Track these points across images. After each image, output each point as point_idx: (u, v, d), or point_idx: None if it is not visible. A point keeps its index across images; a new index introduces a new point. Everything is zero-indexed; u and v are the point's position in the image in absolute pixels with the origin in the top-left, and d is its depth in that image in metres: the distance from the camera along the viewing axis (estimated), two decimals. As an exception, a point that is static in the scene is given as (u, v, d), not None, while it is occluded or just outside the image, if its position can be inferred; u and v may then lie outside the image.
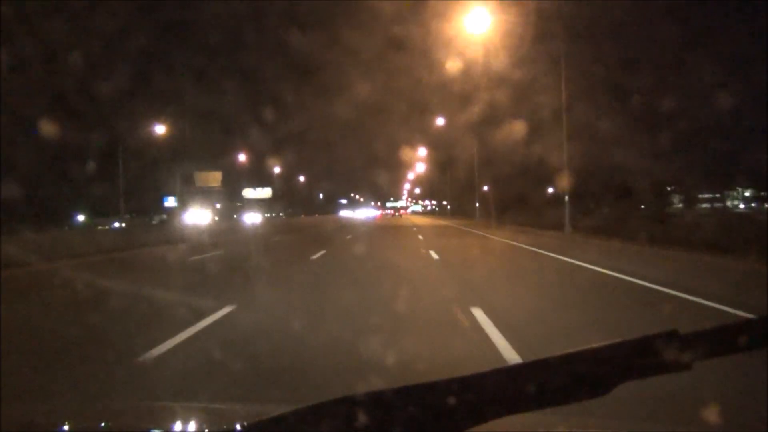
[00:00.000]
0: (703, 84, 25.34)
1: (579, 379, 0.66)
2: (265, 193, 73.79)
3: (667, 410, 2.93)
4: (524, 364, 0.68)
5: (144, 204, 51.48)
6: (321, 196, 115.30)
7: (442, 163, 64.54)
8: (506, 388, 0.67)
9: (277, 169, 69.64)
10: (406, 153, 75.55)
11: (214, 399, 3.37)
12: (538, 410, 0.68)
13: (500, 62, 24.58)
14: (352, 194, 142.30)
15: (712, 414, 2.18)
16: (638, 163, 26.36)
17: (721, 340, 0.66)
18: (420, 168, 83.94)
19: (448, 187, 65.03)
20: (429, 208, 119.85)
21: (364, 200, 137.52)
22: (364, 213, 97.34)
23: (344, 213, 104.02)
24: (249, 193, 71.32)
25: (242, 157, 55.83)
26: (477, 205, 44.62)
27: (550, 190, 35.41)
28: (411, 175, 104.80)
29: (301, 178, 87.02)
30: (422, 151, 71.61)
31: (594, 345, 0.68)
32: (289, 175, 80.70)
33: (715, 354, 0.66)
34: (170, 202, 55.92)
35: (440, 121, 45.81)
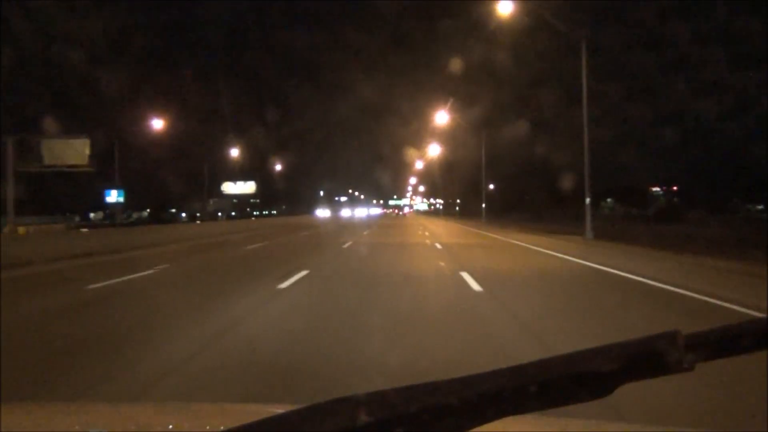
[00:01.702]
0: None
1: (580, 379, 0.66)
2: (248, 187, 70.51)
3: (668, 410, 2.97)
4: (525, 365, 0.68)
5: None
6: (321, 193, 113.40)
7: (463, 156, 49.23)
8: (508, 389, 0.67)
9: (236, 152, 56.54)
10: (414, 145, 65.21)
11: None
12: (540, 411, 0.68)
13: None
14: (350, 191, 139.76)
15: (712, 414, 2.19)
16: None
17: (723, 341, 0.66)
18: (435, 151, 65.48)
19: (482, 178, 44.82)
20: (439, 206, 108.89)
21: (365, 197, 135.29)
22: (361, 212, 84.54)
23: (321, 212, 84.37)
24: (229, 187, 68.56)
25: (158, 124, 35.37)
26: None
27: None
28: (419, 164, 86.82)
29: (278, 167, 72.14)
30: (443, 118, 42.52)
31: (595, 346, 0.68)
32: (282, 172, 75.64)
33: (718, 355, 0.66)
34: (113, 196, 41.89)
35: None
